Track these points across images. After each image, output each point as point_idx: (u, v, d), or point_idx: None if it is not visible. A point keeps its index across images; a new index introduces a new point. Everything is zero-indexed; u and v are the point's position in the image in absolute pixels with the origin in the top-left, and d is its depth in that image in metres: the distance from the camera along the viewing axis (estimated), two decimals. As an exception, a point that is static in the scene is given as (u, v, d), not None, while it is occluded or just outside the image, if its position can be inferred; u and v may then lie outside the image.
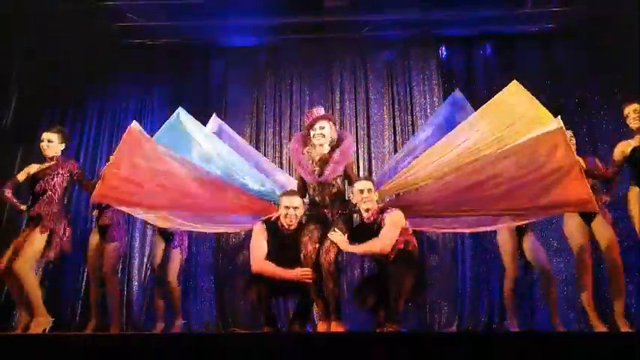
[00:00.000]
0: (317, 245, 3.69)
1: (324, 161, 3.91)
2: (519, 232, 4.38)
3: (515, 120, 3.62)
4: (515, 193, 3.48)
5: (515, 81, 3.78)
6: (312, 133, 3.93)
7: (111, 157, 3.79)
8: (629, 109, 4.19)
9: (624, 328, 3.90)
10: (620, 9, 5.72)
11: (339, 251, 3.68)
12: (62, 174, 4.30)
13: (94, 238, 4.77)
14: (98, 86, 6.58)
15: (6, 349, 2.52)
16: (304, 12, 6.17)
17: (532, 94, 3.69)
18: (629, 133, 4.31)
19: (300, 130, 6.19)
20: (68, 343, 2.73)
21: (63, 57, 6.43)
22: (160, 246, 4.93)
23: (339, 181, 3.99)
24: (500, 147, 3.59)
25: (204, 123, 5.65)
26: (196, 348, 2.55)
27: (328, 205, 3.96)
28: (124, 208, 3.89)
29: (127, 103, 6.58)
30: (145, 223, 5.56)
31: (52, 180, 4.25)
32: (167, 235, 4.90)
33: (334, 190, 3.97)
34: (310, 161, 3.95)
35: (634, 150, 4.16)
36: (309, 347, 2.53)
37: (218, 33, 6.51)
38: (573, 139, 4.47)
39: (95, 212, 4.83)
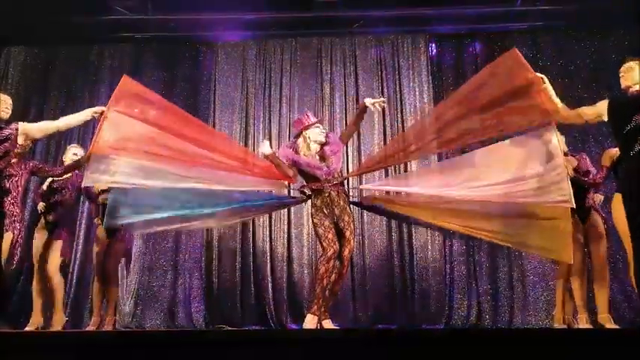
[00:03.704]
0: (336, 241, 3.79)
1: (322, 157, 3.99)
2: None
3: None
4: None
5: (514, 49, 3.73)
6: (307, 134, 3.99)
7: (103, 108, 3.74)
8: (624, 67, 3.76)
9: (609, 325, 3.97)
10: (611, 5, 5.75)
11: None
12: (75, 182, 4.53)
13: (102, 234, 4.73)
14: (87, 80, 6.50)
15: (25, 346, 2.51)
16: (294, 7, 6.16)
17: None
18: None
19: (289, 126, 6.22)
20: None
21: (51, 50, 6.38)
22: (104, 242, 4.72)
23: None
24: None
25: (195, 116, 5.66)
26: (189, 344, 2.54)
27: (335, 200, 3.95)
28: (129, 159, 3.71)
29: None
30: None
31: (66, 189, 4.53)
32: (111, 231, 4.69)
33: (338, 179, 4.03)
34: (313, 158, 3.98)
35: (619, 158, 4.00)
36: (302, 345, 2.53)
37: (207, 27, 6.46)
38: (563, 137, 4.51)
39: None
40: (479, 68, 6.32)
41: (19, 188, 4.09)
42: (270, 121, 6.35)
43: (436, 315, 5.63)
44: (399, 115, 6.25)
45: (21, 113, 6.14)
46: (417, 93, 6.26)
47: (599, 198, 4.34)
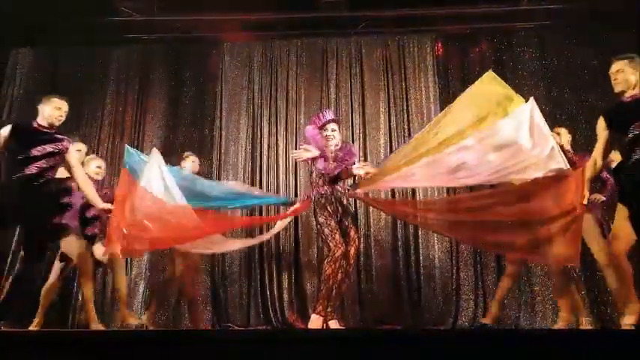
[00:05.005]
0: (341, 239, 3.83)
1: (334, 159, 4.03)
2: None
3: (491, 107, 3.61)
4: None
5: (490, 71, 3.82)
6: (323, 133, 4.05)
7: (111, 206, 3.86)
8: (612, 70, 3.55)
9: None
10: (617, 4, 5.73)
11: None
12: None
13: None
14: (94, 82, 6.54)
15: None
16: (300, 8, 6.18)
17: (529, 91, 3.72)
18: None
19: (296, 127, 6.23)
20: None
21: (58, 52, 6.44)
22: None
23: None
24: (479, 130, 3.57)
25: (202, 117, 5.70)
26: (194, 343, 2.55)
27: (339, 198, 4.01)
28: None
29: (125, 100, 6.53)
30: None
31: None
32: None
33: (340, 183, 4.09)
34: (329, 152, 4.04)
35: (620, 165, 3.87)
36: (306, 344, 2.53)
37: (213, 28, 6.49)
38: (569, 135, 4.49)
39: None
40: (485, 68, 6.32)
41: (77, 205, 4.26)
42: (276, 120, 6.36)
43: (442, 315, 5.61)
44: (404, 116, 6.24)
45: (29, 115, 6.24)
46: (423, 93, 6.25)
47: (598, 198, 4.25)
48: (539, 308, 5.51)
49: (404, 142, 6.12)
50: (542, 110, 3.54)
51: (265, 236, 4.74)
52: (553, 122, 3.81)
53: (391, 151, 6.10)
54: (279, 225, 4.29)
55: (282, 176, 6.14)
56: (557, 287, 4.26)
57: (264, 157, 6.23)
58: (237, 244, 5.13)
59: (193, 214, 3.93)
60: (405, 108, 6.26)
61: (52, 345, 2.46)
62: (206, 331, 4.79)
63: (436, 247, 5.80)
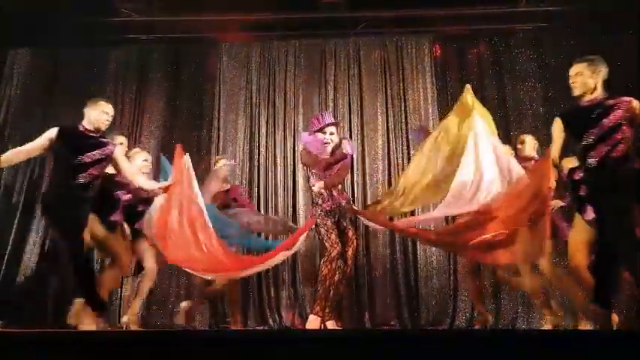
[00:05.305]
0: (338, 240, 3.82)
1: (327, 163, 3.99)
2: None
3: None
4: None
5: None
6: (320, 136, 3.98)
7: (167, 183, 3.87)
8: (571, 72, 3.42)
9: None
10: (615, 6, 5.75)
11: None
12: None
13: None
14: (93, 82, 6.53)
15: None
16: (299, 8, 6.19)
17: (526, 92, 3.76)
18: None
19: (294, 127, 6.24)
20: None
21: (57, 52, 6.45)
22: None
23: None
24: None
25: (200, 117, 5.68)
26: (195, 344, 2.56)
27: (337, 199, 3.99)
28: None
29: (123, 100, 6.52)
30: None
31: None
32: None
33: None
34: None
35: (574, 171, 3.82)
36: (304, 345, 2.54)
37: (212, 28, 6.49)
38: (535, 142, 4.51)
39: None
40: (483, 69, 6.36)
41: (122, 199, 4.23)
42: (274, 121, 6.37)
43: (440, 316, 5.63)
44: (402, 117, 6.25)
45: (27, 115, 6.25)
46: (421, 94, 6.26)
47: (557, 203, 4.10)
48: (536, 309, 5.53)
49: (402, 142, 6.15)
50: (539, 111, 3.60)
51: (263, 266, 4.60)
52: (549, 124, 3.78)
53: (389, 151, 6.13)
54: (282, 255, 4.24)
55: (279, 177, 6.16)
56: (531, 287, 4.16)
57: (262, 158, 6.24)
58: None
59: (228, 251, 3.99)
60: (402, 109, 6.28)
61: (52, 345, 2.46)
62: (204, 332, 4.81)
63: (434, 248, 5.80)
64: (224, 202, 4.77)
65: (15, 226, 5.91)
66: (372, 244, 5.89)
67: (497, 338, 2.69)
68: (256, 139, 6.31)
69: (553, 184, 3.40)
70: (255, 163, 6.21)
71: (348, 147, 3.97)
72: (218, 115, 6.36)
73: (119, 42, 6.57)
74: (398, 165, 6.07)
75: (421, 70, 6.36)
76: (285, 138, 6.28)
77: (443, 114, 6.17)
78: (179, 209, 3.81)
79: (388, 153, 6.16)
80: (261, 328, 5.58)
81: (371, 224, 4.46)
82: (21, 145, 3.85)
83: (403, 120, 6.24)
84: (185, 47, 6.68)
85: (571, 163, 3.77)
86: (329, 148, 3.96)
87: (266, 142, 6.29)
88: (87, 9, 5.83)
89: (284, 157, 6.21)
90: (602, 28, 6.08)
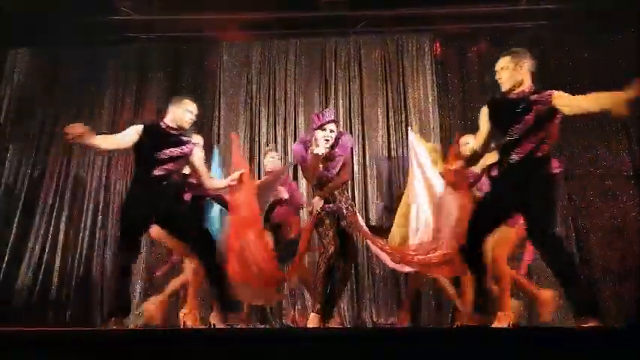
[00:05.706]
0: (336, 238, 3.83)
1: (327, 158, 3.97)
2: None
3: None
4: None
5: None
6: (321, 133, 3.95)
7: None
8: (497, 67, 3.28)
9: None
10: (615, 4, 5.74)
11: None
12: None
13: None
14: (92, 81, 6.53)
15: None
16: (299, 7, 6.19)
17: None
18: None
19: (295, 125, 6.24)
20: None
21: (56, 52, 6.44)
22: None
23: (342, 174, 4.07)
24: None
25: (199, 116, 5.64)
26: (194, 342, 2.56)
27: (337, 198, 3.99)
28: None
29: (123, 99, 6.51)
30: None
31: None
32: None
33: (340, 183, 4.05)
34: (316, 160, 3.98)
35: (493, 166, 3.64)
36: (305, 343, 2.54)
37: (212, 27, 6.48)
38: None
39: None
40: (483, 68, 6.35)
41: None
42: (275, 120, 6.36)
43: (442, 314, 5.62)
44: (403, 116, 6.25)
45: (27, 115, 6.25)
46: (422, 93, 6.26)
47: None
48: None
49: (402, 141, 6.13)
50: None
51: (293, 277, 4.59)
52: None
53: (389, 151, 6.12)
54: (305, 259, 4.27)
55: (280, 176, 6.14)
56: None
57: (262, 157, 6.22)
58: None
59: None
60: (403, 107, 6.27)
61: (52, 345, 2.46)
62: (205, 330, 4.79)
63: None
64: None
65: (15, 226, 5.93)
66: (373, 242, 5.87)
67: (497, 337, 2.69)
68: (257, 138, 6.30)
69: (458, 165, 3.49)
70: (256, 161, 6.20)
71: (347, 141, 4.01)
72: (218, 114, 6.35)
73: (119, 41, 6.56)
74: (398, 164, 6.07)
75: (422, 68, 6.35)
76: (285, 137, 6.27)
77: (443, 113, 6.21)
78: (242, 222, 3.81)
79: (389, 152, 6.15)
80: (262, 326, 5.58)
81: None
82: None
83: (403, 118, 6.23)
84: (185, 46, 6.67)
85: (492, 158, 3.55)
86: (328, 145, 3.96)
87: (266, 140, 6.29)
88: (86, 8, 5.84)
89: (284, 155, 6.20)
90: (602, 26, 6.07)
